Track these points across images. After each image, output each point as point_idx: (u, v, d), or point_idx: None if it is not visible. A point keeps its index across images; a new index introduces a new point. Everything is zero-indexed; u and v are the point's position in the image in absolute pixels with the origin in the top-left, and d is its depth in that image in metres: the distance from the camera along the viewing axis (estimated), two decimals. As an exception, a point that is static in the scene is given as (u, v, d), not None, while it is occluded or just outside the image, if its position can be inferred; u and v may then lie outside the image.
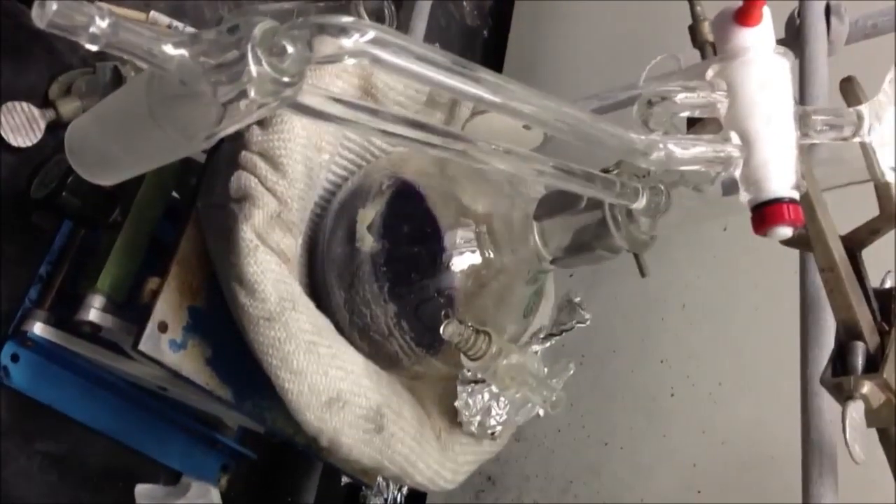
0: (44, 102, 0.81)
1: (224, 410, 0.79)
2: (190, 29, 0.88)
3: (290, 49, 0.34)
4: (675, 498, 0.94)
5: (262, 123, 0.62)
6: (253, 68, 0.33)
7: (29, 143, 0.79)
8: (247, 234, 0.60)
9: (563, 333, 0.69)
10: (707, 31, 0.87)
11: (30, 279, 0.80)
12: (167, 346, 0.66)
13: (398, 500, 1.02)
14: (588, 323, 0.69)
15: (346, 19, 0.35)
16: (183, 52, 0.34)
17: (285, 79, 0.34)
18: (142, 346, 0.64)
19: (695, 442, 0.96)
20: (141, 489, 0.85)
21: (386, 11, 0.83)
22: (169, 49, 0.33)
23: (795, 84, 0.50)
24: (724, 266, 1.01)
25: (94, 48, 0.31)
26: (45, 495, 0.81)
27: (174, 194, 0.80)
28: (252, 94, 0.33)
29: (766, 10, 0.49)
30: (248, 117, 0.35)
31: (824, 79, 0.74)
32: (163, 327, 0.65)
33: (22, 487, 0.79)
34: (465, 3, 1.35)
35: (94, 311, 0.72)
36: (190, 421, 0.89)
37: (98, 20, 0.30)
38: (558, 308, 0.71)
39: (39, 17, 0.30)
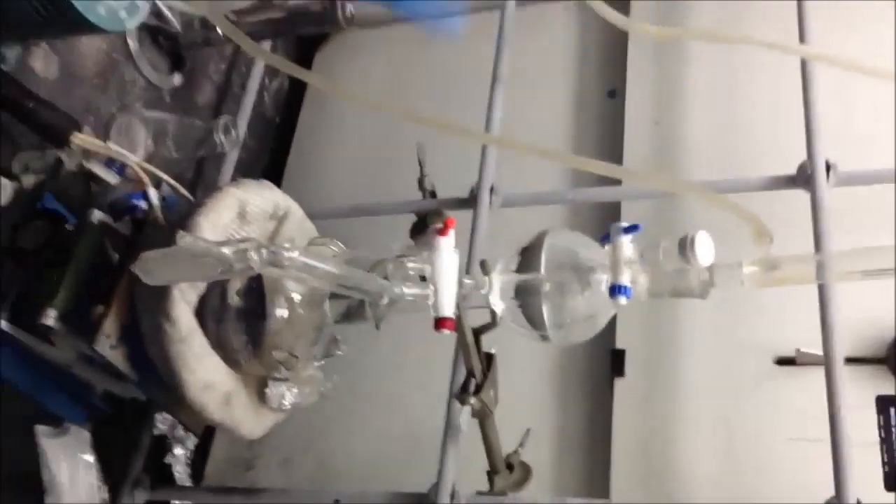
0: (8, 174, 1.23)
1: (125, 386, 1.27)
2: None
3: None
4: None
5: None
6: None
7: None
8: (174, 292, 1.10)
9: (332, 356, 1.26)
10: (427, 183, 1.47)
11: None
12: (107, 347, 1.14)
13: (190, 447, 1.56)
14: (344, 352, 1.26)
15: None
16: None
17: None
18: (96, 346, 1.12)
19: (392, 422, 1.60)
20: (40, 428, 1.29)
21: (232, 129, 1.36)
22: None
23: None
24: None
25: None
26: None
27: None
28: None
29: (452, 231, 1.07)
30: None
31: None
32: (107, 336, 1.13)
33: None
34: (266, 97, 1.87)
35: (51, 320, 1.17)
36: (69, 384, 1.34)
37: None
38: (330, 341, 1.27)
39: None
